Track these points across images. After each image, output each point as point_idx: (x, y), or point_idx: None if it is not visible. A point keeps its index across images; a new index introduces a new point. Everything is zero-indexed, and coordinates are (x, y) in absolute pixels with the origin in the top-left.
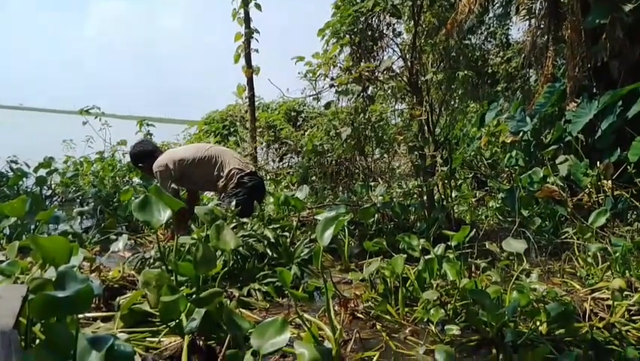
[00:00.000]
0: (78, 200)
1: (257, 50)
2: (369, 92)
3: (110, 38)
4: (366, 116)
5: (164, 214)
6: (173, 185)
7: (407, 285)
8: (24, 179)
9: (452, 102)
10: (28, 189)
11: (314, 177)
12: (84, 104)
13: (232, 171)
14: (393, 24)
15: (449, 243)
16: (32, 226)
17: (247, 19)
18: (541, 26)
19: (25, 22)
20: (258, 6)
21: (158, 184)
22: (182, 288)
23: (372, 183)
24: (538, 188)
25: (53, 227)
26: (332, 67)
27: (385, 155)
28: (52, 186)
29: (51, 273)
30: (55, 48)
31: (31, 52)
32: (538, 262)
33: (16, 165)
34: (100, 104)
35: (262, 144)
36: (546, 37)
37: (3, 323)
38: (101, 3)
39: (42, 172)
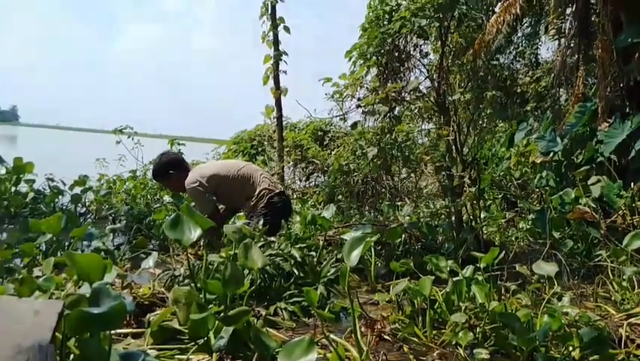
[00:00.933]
0: (111, 217)
1: (285, 72)
2: (395, 113)
3: (141, 60)
4: (393, 136)
5: (195, 233)
6: (211, 198)
7: (435, 307)
8: (60, 196)
9: (480, 122)
10: (64, 207)
11: (340, 196)
12: (116, 124)
13: (263, 191)
14: (420, 45)
15: (478, 265)
16: (67, 243)
17: (276, 42)
18: (572, 46)
19: (62, 43)
20: (287, 29)
21: (193, 201)
22: (210, 306)
23: (399, 203)
24: (569, 209)
25: (87, 244)
26: (359, 88)
27: (412, 174)
28: (86, 203)
29: (85, 289)
30: (88, 70)
31: (67, 74)
32: (570, 285)
33: (53, 183)
34: (132, 124)
35: (289, 163)
36: (576, 56)
37: (41, 338)
38: (132, 26)
39: (77, 190)
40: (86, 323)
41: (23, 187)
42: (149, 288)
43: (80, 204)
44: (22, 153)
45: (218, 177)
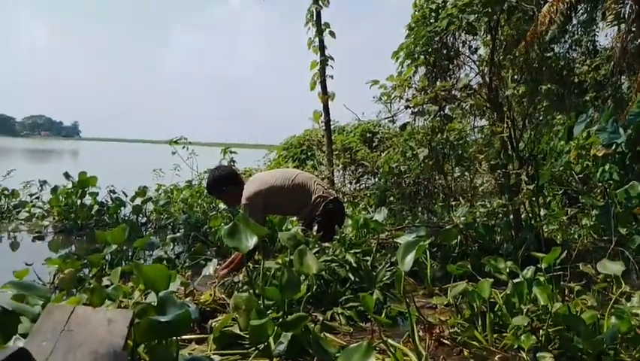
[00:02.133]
0: (170, 226)
1: (332, 77)
2: (446, 111)
3: (191, 68)
4: (444, 136)
5: (252, 240)
6: (260, 218)
7: (495, 310)
8: (122, 208)
9: (536, 116)
10: (126, 217)
11: (392, 198)
12: (170, 133)
13: (318, 199)
14: (470, 41)
15: (539, 265)
16: (130, 252)
17: (322, 47)
18: (633, 30)
19: (117, 56)
20: (332, 34)
21: (246, 215)
22: (269, 311)
23: (453, 203)
24: (636, 203)
25: (149, 253)
26: (407, 88)
27: (466, 173)
28: (147, 213)
29: (152, 298)
30: (143, 80)
31: (123, 85)
32: (639, 284)
33: (115, 195)
34: (185, 132)
35: (339, 166)
36: (638, 41)
37: (115, 345)
38: (181, 35)
39: (138, 201)
40: (154, 331)
41: (88, 200)
42: (210, 295)
43: (140, 215)
44: (85, 167)
45: (273, 189)
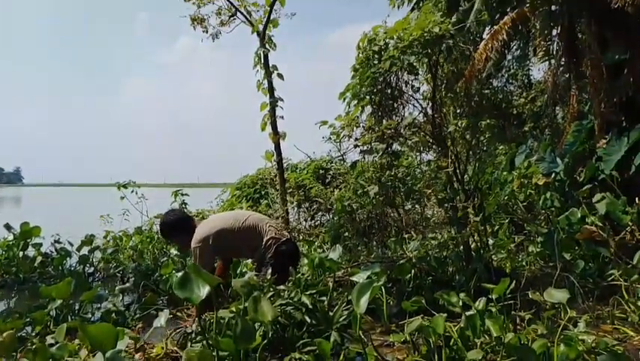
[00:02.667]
0: (119, 275)
1: (282, 117)
2: (393, 149)
3: (141, 112)
4: (393, 172)
5: (204, 290)
6: (211, 261)
7: (450, 344)
8: (67, 258)
9: (479, 148)
10: (72, 268)
11: (347, 234)
12: (120, 176)
13: (270, 241)
14: (412, 80)
15: (490, 296)
16: (77, 306)
17: (271, 89)
18: (561, 65)
19: (63, 101)
20: (280, 76)
21: (196, 260)
22: None
23: (406, 236)
24: (577, 229)
25: (97, 306)
26: (355, 127)
27: (417, 205)
28: (94, 262)
29: (99, 358)
30: (90, 125)
31: (69, 130)
32: (585, 307)
33: (60, 245)
34: (135, 175)
35: (293, 203)
36: (567, 75)
37: None
38: (129, 80)
39: (84, 250)
40: None
41: (31, 251)
42: (162, 348)
43: (87, 264)
44: (28, 214)
45: (223, 232)
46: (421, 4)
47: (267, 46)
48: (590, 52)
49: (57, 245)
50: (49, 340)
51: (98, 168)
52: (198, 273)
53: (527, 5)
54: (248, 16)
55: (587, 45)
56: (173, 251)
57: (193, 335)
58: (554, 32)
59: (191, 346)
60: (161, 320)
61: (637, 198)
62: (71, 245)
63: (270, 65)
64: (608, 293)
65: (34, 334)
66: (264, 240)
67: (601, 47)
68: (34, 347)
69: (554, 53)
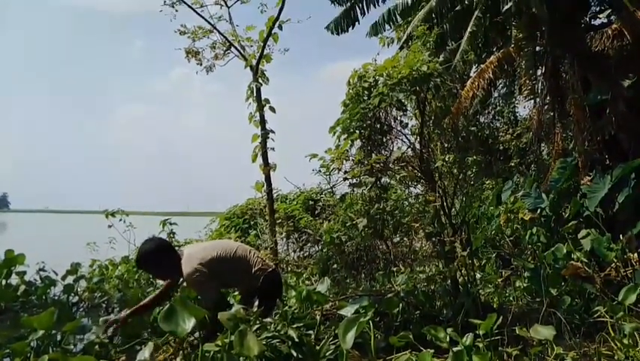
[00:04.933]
0: (104, 305)
1: (273, 149)
2: (382, 182)
3: (131, 141)
4: (381, 205)
5: (189, 323)
6: (214, 284)
7: None
8: (52, 287)
9: (466, 183)
10: (56, 297)
11: (335, 266)
12: (109, 203)
13: (257, 272)
14: (400, 116)
15: (477, 331)
16: (59, 337)
17: (262, 122)
18: (546, 104)
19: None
20: (272, 109)
21: (199, 289)
22: None
23: (394, 269)
24: (563, 265)
25: (80, 337)
26: (344, 161)
27: (405, 238)
28: (79, 292)
29: None
30: (80, 152)
31: (58, 155)
32: (572, 344)
33: (45, 273)
34: (124, 202)
35: (282, 234)
36: (552, 113)
37: None
38: (123, 106)
39: (69, 279)
40: None
41: (14, 279)
42: None
43: (72, 294)
44: (13, 241)
45: (214, 261)
46: (409, 43)
47: (259, 80)
48: (573, 92)
49: (41, 273)
50: None
51: (86, 194)
52: (184, 305)
53: (512, 45)
54: (242, 51)
55: (571, 85)
56: (160, 282)
57: None
58: (539, 72)
59: None
60: (145, 353)
61: (621, 235)
62: (56, 274)
63: (262, 98)
64: (594, 330)
65: None
66: (253, 270)
67: (584, 87)
68: None
69: (539, 91)
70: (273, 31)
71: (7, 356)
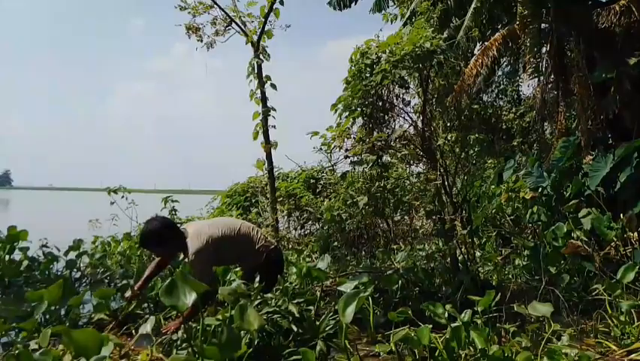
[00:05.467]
0: (106, 281)
1: (274, 127)
2: (383, 160)
3: (134, 117)
4: (382, 183)
5: (190, 297)
6: (211, 269)
7: (436, 355)
8: (54, 263)
9: (468, 162)
10: (59, 273)
11: (336, 243)
12: (112, 181)
13: (260, 249)
14: (403, 94)
15: (476, 308)
16: (63, 312)
17: (264, 99)
18: (550, 82)
19: (54, 104)
20: (273, 86)
21: (197, 268)
22: None
23: (394, 247)
24: (563, 244)
25: (83, 312)
26: (346, 139)
27: (406, 216)
28: (81, 267)
29: None
30: (83, 129)
31: (61, 133)
32: (569, 321)
33: (47, 249)
34: (127, 180)
35: (283, 212)
36: (555, 92)
37: None
38: (125, 83)
39: (72, 255)
40: None
41: (17, 255)
42: (147, 355)
43: (75, 269)
44: (16, 218)
45: (223, 240)
46: (413, 20)
47: (260, 56)
48: (577, 70)
49: (44, 249)
50: (32, 345)
51: (89, 172)
52: (185, 280)
53: (517, 23)
54: (243, 27)
55: (575, 63)
56: None
57: (178, 343)
58: (544, 50)
59: (176, 353)
60: (147, 326)
61: (621, 214)
62: (58, 250)
63: (264, 75)
64: (592, 307)
65: (19, 339)
66: (256, 247)
67: (588, 66)
68: (17, 352)
69: (543, 70)
70: (274, 7)
71: (13, 330)
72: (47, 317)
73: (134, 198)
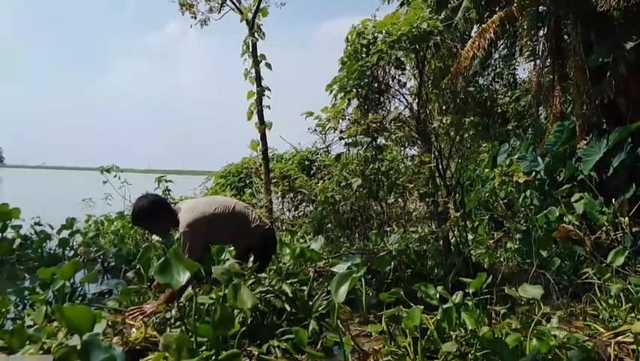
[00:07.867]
0: (100, 259)
1: (269, 107)
2: (378, 143)
3: (128, 96)
4: (376, 166)
5: (184, 276)
6: (200, 247)
7: (427, 335)
8: (47, 241)
9: (462, 146)
10: (51, 251)
11: (329, 225)
12: (105, 160)
13: (255, 229)
14: (399, 75)
15: (467, 290)
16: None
17: (258, 78)
18: (546, 66)
19: (46, 82)
20: (268, 65)
21: (186, 245)
22: (202, 349)
23: (387, 229)
24: (555, 227)
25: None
26: (341, 120)
27: (400, 199)
28: (74, 246)
29: (76, 340)
30: (76, 107)
31: (53, 111)
32: (559, 304)
33: (40, 228)
34: (120, 160)
35: (277, 193)
36: (551, 76)
37: None
38: (120, 62)
39: (65, 234)
40: None
41: (10, 233)
42: (141, 332)
43: (68, 248)
44: (9, 197)
45: (215, 217)
46: (410, 0)
47: (255, 35)
48: (574, 54)
49: (37, 228)
50: (27, 321)
51: (82, 151)
52: (179, 258)
53: (515, 5)
54: (237, 4)
55: (572, 47)
56: (155, 237)
57: (172, 321)
58: (541, 33)
59: (169, 331)
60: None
61: (613, 199)
62: (52, 228)
63: (258, 54)
64: (581, 291)
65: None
66: (251, 226)
67: (585, 50)
68: (11, 328)
69: (540, 53)
70: None
71: (16, 306)
72: (60, 291)
73: (128, 178)
